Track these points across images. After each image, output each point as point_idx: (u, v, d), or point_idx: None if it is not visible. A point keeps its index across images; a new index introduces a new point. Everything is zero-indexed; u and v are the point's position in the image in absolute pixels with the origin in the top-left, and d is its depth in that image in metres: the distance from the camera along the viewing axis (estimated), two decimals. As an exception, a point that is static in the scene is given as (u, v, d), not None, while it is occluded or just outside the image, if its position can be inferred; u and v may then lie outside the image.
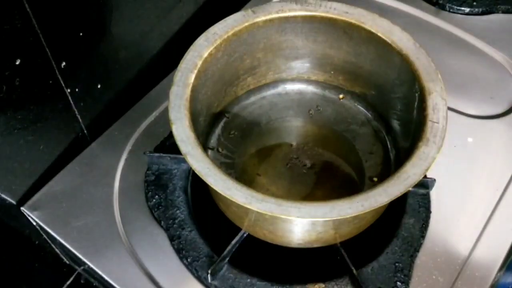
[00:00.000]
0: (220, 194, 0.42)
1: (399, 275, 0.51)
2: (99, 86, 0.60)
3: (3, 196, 0.55)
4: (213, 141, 0.58)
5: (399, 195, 0.42)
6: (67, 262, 0.65)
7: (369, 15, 0.53)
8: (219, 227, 0.53)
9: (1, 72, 0.46)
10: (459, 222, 0.56)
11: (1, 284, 0.63)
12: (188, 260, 0.52)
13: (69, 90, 0.55)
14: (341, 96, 0.62)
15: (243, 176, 0.56)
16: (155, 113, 0.64)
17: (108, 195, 0.57)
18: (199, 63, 0.50)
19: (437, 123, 0.46)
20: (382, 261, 0.52)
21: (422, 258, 0.53)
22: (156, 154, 0.57)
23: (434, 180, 0.55)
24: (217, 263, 0.50)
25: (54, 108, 0.55)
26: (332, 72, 0.61)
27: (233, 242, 0.51)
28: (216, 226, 0.53)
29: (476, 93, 0.67)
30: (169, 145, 0.60)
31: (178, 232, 0.54)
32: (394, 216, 0.55)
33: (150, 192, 0.57)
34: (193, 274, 0.52)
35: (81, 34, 0.53)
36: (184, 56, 0.50)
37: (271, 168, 0.57)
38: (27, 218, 0.56)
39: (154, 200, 0.56)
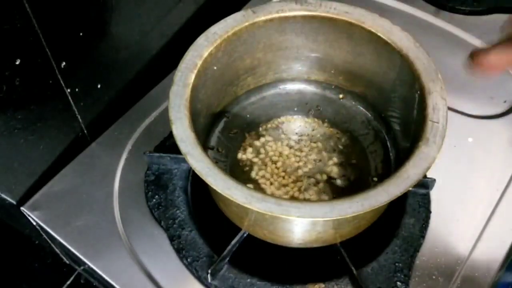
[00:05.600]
0: (220, 194, 0.42)
1: (399, 275, 0.51)
2: (99, 86, 0.60)
3: (3, 196, 0.55)
4: (213, 141, 0.58)
5: (399, 195, 0.42)
6: (67, 262, 0.65)
7: (369, 15, 0.53)
8: (219, 227, 0.53)
9: (1, 72, 0.46)
10: (459, 222, 0.56)
11: (1, 284, 0.63)
12: (188, 260, 0.52)
13: (69, 90, 0.55)
14: (341, 96, 0.62)
15: (242, 176, 0.56)
16: (155, 113, 0.64)
17: (108, 195, 0.57)
18: (199, 63, 0.50)
19: (437, 123, 0.46)
20: (382, 261, 0.52)
21: (422, 258, 0.53)
22: (156, 154, 0.57)
23: (434, 180, 0.55)
24: (217, 263, 0.50)
25: (54, 108, 0.55)
26: (332, 72, 0.61)
27: (233, 242, 0.51)
28: (216, 226, 0.53)
29: (476, 93, 0.67)
30: (169, 145, 0.60)
31: (178, 232, 0.54)
32: (394, 216, 0.55)
33: (150, 192, 0.57)
34: (193, 274, 0.52)
35: (81, 34, 0.53)
36: (184, 56, 0.50)
37: (272, 168, 0.57)
38: (27, 218, 0.56)
39: (154, 200, 0.56)
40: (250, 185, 0.55)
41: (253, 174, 0.56)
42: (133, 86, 0.66)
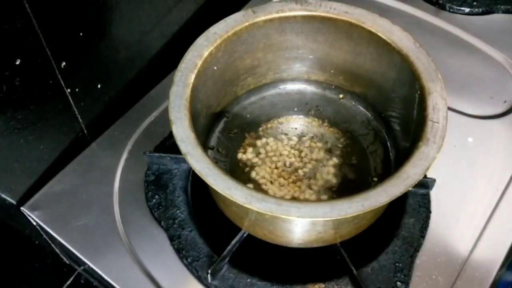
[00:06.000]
0: (220, 194, 0.42)
1: (399, 275, 0.51)
2: (99, 86, 0.60)
3: (3, 196, 0.55)
4: (213, 141, 0.58)
5: (399, 195, 0.42)
6: (67, 262, 0.65)
7: (369, 15, 0.53)
8: (219, 227, 0.53)
9: (1, 72, 0.46)
10: (459, 222, 0.56)
11: (1, 284, 0.63)
12: (188, 260, 0.52)
13: (69, 90, 0.55)
14: (341, 96, 0.62)
15: (242, 176, 0.56)
16: (155, 113, 0.64)
17: (108, 195, 0.57)
18: (199, 63, 0.50)
19: (437, 123, 0.46)
20: (382, 261, 0.52)
21: (422, 258, 0.53)
22: (156, 154, 0.57)
23: (434, 180, 0.55)
24: (217, 263, 0.50)
25: (54, 108, 0.55)
26: (332, 72, 0.61)
27: (233, 242, 0.51)
28: (216, 226, 0.53)
29: (476, 93, 0.67)
30: (169, 145, 0.60)
31: (178, 232, 0.54)
32: (394, 216, 0.55)
33: (150, 192, 0.57)
34: (193, 274, 0.52)
35: (81, 34, 0.53)
36: (184, 56, 0.50)
37: (272, 168, 0.57)
38: (27, 218, 0.56)
39: (154, 200, 0.56)
40: (250, 185, 0.55)
41: (253, 174, 0.56)
42: (133, 86, 0.66)
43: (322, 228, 0.47)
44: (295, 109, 0.61)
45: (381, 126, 0.59)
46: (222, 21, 0.53)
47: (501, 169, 0.59)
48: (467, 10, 0.75)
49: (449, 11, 0.76)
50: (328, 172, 0.56)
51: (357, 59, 0.57)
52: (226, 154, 0.58)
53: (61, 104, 0.55)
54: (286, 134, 0.59)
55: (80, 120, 0.59)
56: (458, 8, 0.75)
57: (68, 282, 0.67)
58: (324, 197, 0.55)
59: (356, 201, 0.41)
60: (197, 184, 0.57)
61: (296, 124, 0.60)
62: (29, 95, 0.50)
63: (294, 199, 0.54)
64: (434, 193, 0.56)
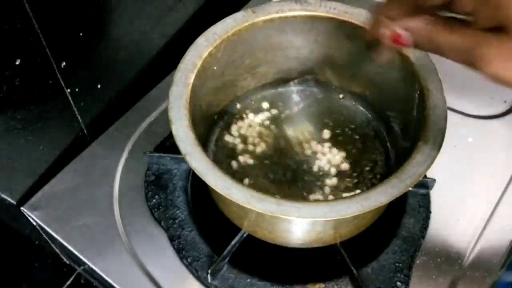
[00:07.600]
0: (220, 194, 0.42)
1: (399, 275, 0.51)
2: (99, 86, 0.60)
3: (3, 196, 0.55)
4: (213, 141, 0.58)
5: (399, 195, 0.42)
6: (67, 262, 0.65)
7: (369, 15, 0.53)
8: (219, 227, 0.53)
9: (1, 72, 0.46)
10: (459, 222, 0.56)
11: (1, 284, 0.63)
12: (188, 260, 0.52)
13: (69, 90, 0.55)
14: (341, 96, 0.62)
15: (242, 176, 0.56)
16: (155, 113, 0.64)
17: (108, 195, 0.57)
18: (199, 63, 0.50)
19: (437, 123, 0.46)
20: (382, 261, 0.52)
21: (422, 258, 0.53)
22: (156, 154, 0.58)
23: (434, 180, 0.55)
24: (217, 263, 0.50)
25: (54, 108, 0.55)
26: (332, 72, 0.60)
27: (233, 242, 0.51)
28: (216, 226, 0.53)
29: (476, 93, 0.66)
30: (169, 145, 0.60)
31: (178, 232, 0.54)
32: (394, 216, 0.55)
33: (150, 192, 0.57)
34: (193, 274, 0.52)
35: (81, 34, 0.53)
36: (184, 56, 0.50)
37: (272, 168, 0.57)
38: (27, 218, 0.56)
39: (154, 200, 0.56)
40: (250, 186, 0.54)
41: (253, 174, 0.56)
42: (133, 86, 0.66)
43: (322, 228, 0.47)
44: (295, 109, 0.61)
45: (381, 126, 0.59)
46: (222, 21, 0.53)
47: (501, 169, 0.59)
48: (467, 10, 0.75)
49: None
50: (328, 172, 0.56)
51: (357, 59, 0.57)
52: (226, 154, 0.58)
53: (61, 104, 0.55)
54: (286, 134, 0.59)
55: (80, 120, 0.59)
56: (458, 8, 0.75)
57: (68, 282, 0.67)
58: (323, 196, 0.55)
59: (356, 201, 0.41)
60: (197, 184, 0.57)
61: (297, 124, 0.60)
62: (29, 95, 0.50)
63: (294, 199, 0.54)
64: (434, 193, 0.56)
